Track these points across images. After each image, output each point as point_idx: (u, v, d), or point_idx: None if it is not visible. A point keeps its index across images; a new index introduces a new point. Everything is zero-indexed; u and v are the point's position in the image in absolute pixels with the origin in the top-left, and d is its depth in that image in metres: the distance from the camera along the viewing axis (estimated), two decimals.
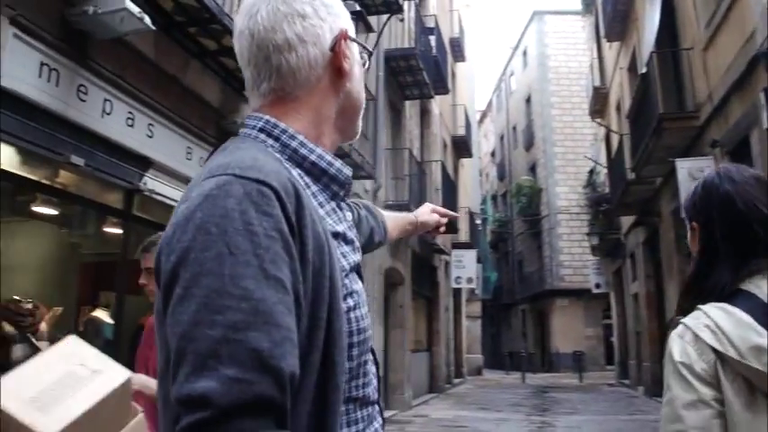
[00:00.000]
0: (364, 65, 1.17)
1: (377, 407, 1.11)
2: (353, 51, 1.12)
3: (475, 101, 32.68)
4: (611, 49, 19.17)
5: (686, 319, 1.31)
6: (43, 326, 5.20)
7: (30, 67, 4.18)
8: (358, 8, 7.20)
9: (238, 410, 0.75)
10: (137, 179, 5.23)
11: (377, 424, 1.09)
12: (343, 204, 1.10)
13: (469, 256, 21.80)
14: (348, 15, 1.14)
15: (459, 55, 25.06)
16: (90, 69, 4.67)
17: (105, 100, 4.84)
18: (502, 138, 41.65)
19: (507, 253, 38.23)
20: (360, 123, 1.17)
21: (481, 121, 44.62)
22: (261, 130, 1.02)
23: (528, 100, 35.95)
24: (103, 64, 4.78)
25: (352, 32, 1.13)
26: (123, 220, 5.43)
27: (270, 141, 1.02)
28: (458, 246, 22.10)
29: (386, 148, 13.12)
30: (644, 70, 11.38)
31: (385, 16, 11.60)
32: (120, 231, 5.58)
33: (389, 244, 13.43)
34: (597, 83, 21.07)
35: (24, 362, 5.00)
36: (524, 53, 37.01)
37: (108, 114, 4.86)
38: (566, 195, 31.45)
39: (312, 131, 1.06)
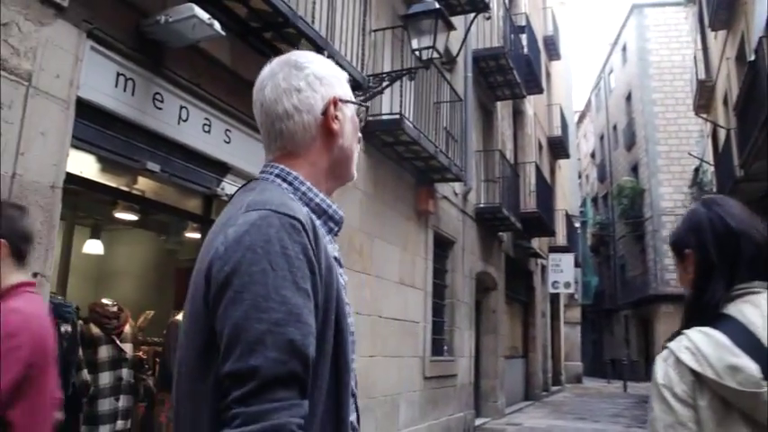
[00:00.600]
0: (361, 120, 1.45)
1: (355, 400, 1.36)
2: (345, 112, 1.38)
3: (572, 101, 31.71)
4: (716, 40, 18.09)
5: (670, 343, 1.42)
6: (127, 328, 5.33)
7: (107, 77, 4.28)
8: (437, 6, 7.04)
9: (276, 383, 1.03)
10: (215, 184, 5.28)
11: (355, 413, 1.33)
12: (335, 237, 1.39)
13: (567, 259, 21.11)
14: (344, 81, 1.41)
15: (553, 53, 24.40)
16: (165, 78, 4.75)
17: (181, 107, 4.92)
18: (602, 138, 40.25)
19: (609, 257, 36.84)
20: (353, 168, 1.44)
21: (580, 121, 43.35)
22: (277, 176, 1.30)
23: (628, 98, 34.55)
24: (179, 72, 4.86)
25: (347, 95, 1.40)
26: (202, 224, 5.51)
27: (284, 185, 1.29)
28: (555, 249, 21.48)
29: (476, 150, 12.86)
30: (752, 58, 10.61)
31: (472, 15, 11.38)
32: (199, 236, 5.66)
33: (481, 248, 13.22)
34: (702, 76, 19.93)
35: (109, 361, 5.04)
36: (624, 49, 35.63)
37: (184, 121, 4.93)
38: (670, 196, 29.94)
39: (311, 179, 1.34)
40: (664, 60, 31.94)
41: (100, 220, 7.55)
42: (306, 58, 1.39)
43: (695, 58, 21.29)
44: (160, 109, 4.72)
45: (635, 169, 33.02)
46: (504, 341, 15.08)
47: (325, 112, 1.34)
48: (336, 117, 1.35)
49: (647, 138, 31.52)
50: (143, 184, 5.08)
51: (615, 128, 36.95)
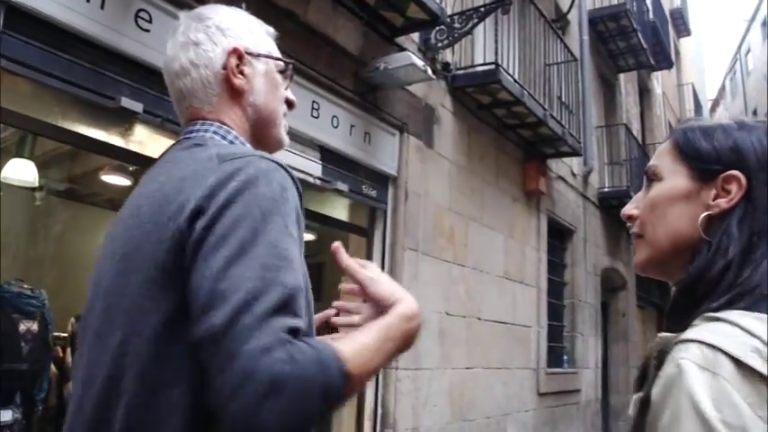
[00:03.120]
0: (286, 77, 1.26)
1: None
2: (257, 66, 1.20)
3: (705, 85, 28.60)
4: None
5: (711, 338, 0.76)
6: None
7: None
8: None
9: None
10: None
11: None
12: None
13: None
14: (261, 34, 1.24)
15: (682, 29, 21.83)
16: None
17: None
18: None
19: None
20: (281, 132, 1.25)
21: (713, 109, 39.62)
22: (215, 132, 1.13)
23: None
24: None
25: (261, 47, 1.21)
26: None
27: (225, 143, 1.12)
28: None
29: (597, 126, 11.00)
30: None
31: None
32: None
33: (606, 240, 11.31)
34: None
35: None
36: (763, 24, 31.90)
37: None
38: None
39: None
40: None
41: None
42: (213, 10, 1.21)
43: None
44: (146, 31, 3.46)
45: None
46: (636, 350, 12.98)
47: (225, 67, 1.16)
48: (242, 72, 1.18)
49: None
50: (142, 136, 3.82)
51: (755, 113, 33.16)
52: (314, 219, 5.73)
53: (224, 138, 1.12)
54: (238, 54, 1.17)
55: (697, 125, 1.01)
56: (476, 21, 5.66)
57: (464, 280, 6.24)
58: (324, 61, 4.66)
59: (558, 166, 9.09)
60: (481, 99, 6.66)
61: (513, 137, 7.61)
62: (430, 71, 4.86)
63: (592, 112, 10.52)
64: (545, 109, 7.27)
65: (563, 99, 8.64)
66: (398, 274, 5.26)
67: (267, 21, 4.10)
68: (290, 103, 1.27)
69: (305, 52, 4.46)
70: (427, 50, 5.80)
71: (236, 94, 1.17)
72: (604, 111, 12.14)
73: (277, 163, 1.00)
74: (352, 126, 4.99)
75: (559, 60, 8.38)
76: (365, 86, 5.01)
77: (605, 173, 11.58)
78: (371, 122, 5.20)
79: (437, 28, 5.63)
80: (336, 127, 4.82)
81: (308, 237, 7.36)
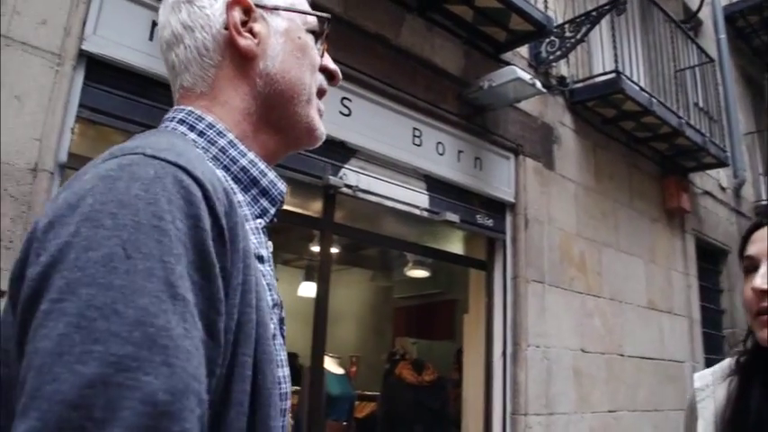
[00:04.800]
0: (316, 33, 0.91)
1: None
2: (273, 23, 0.88)
3: None
4: None
5: None
6: None
7: (135, 28, 3.03)
8: None
9: None
10: (329, 172, 3.75)
11: None
12: (265, 229, 0.85)
13: None
14: None
15: None
16: None
17: None
18: None
19: None
20: (310, 114, 0.88)
21: None
22: (181, 121, 0.82)
23: None
24: None
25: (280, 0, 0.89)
26: (321, 230, 4.00)
27: (192, 135, 0.81)
28: None
29: (746, 133, 9.95)
30: None
31: None
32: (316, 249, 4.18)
33: None
34: None
35: None
36: None
37: None
38: None
39: (236, 132, 0.85)
40: None
41: (313, 261, 6.94)
42: None
43: None
44: None
45: None
46: None
47: (228, 26, 0.84)
48: (251, 30, 0.85)
49: None
50: None
51: None
52: (429, 254, 5.44)
53: (192, 127, 0.80)
54: (244, 6, 0.86)
55: None
56: (588, 26, 5.18)
57: (600, 312, 5.65)
58: (422, 85, 4.38)
59: (704, 181, 8.22)
60: (605, 113, 6.11)
61: (646, 151, 6.94)
62: (539, 84, 4.44)
63: (738, 117, 9.52)
64: (679, 117, 6.57)
65: (702, 106, 7.85)
66: (523, 309, 4.80)
67: (356, 46, 3.88)
68: (330, 74, 0.93)
69: (400, 77, 4.21)
70: (539, 65, 5.38)
71: (242, 63, 0.85)
72: (754, 115, 10.99)
73: (179, 165, 0.62)
74: (459, 152, 4.65)
75: (693, 64, 7.64)
76: (471, 108, 4.68)
77: (761, 184, 10.42)
78: (482, 146, 4.84)
79: (547, 39, 5.22)
80: (442, 154, 4.50)
81: (423, 273, 7.05)
